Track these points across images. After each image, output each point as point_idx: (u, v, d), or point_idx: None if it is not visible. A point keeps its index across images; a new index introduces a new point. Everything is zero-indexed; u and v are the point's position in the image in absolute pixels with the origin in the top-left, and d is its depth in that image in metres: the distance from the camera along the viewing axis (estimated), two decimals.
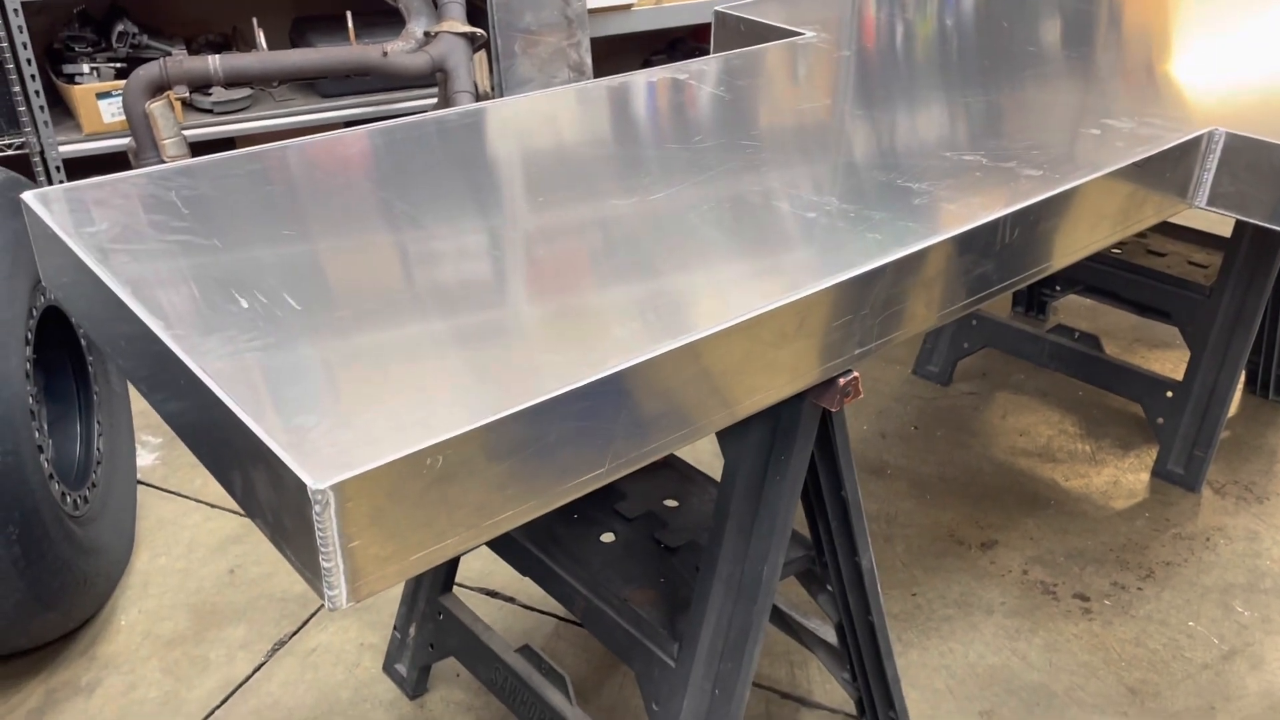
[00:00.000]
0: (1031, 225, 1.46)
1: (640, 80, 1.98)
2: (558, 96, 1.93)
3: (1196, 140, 1.68)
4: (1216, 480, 2.57)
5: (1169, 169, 1.67)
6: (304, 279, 1.21)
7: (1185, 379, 2.51)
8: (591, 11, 3.50)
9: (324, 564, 0.90)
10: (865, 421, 2.81)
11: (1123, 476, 2.59)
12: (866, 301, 1.29)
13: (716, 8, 2.46)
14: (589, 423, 1.05)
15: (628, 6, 3.63)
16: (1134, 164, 1.58)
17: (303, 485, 0.87)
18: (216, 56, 2.70)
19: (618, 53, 4.14)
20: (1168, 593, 2.24)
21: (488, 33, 3.34)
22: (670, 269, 1.28)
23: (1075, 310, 3.30)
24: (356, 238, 1.34)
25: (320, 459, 0.90)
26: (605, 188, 1.49)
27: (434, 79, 3.01)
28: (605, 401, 1.06)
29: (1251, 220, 1.71)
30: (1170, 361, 3.03)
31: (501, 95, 3.41)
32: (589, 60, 3.50)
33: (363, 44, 3.04)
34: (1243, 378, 2.89)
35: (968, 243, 1.38)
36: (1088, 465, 2.64)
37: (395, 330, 1.13)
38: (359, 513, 0.90)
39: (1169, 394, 2.54)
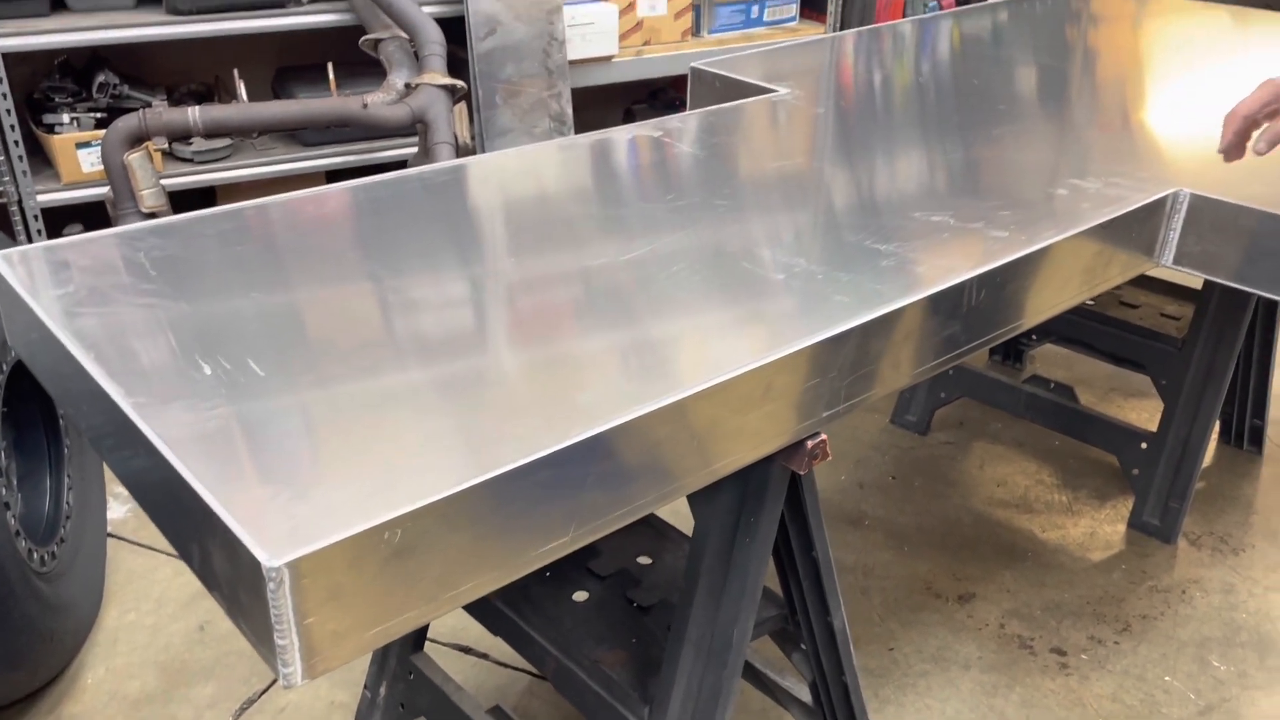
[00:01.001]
0: (998, 287, 1.47)
1: (616, 138, 1.99)
2: (532, 155, 1.94)
3: (1161, 201, 1.70)
4: (1192, 531, 2.57)
5: (1135, 229, 1.69)
6: (270, 343, 1.21)
7: (1159, 430, 2.52)
8: (572, 63, 3.54)
9: (279, 641, 0.89)
10: (843, 471, 2.81)
11: (1099, 528, 2.60)
12: (834, 365, 1.29)
13: (693, 64, 2.48)
14: (552, 491, 1.05)
15: (608, 58, 3.67)
16: (1100, 225, 1.60)
17: (257, 562, 0.86)
18: (196, 108, 2.71)
19: (599, 102, 4.18)
20: (1144, 647, 2.23)
21: (469, 83, 3.37)
22: (638, 333, 1.28)
23: (1052, 359, 3.32)
24: (325, 300, 1.34)
25: (276, 534, 0.89)
26: (576, 250, 1.50)
27: (415, 129, 3.03)
28: (569, 470, 1.05)
29: (1218, 280, 1.73)
30: (1146, 411, 3.05)
31: (483, 145, 3.43)
32: (569, 110, 3.53)
33: (344, 95, 3.07)
34: (1217, 428, 2.91)
35: (935, 305, 1.38)
36: (1064, 516, 2.64)
37: (359, 396, 1.13)
38: (315, 589, 0.89)
39: (1143, 445, 2.55)
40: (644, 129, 2.03)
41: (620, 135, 2.01)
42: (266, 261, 1.43)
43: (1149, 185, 1.74)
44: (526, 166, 1.87)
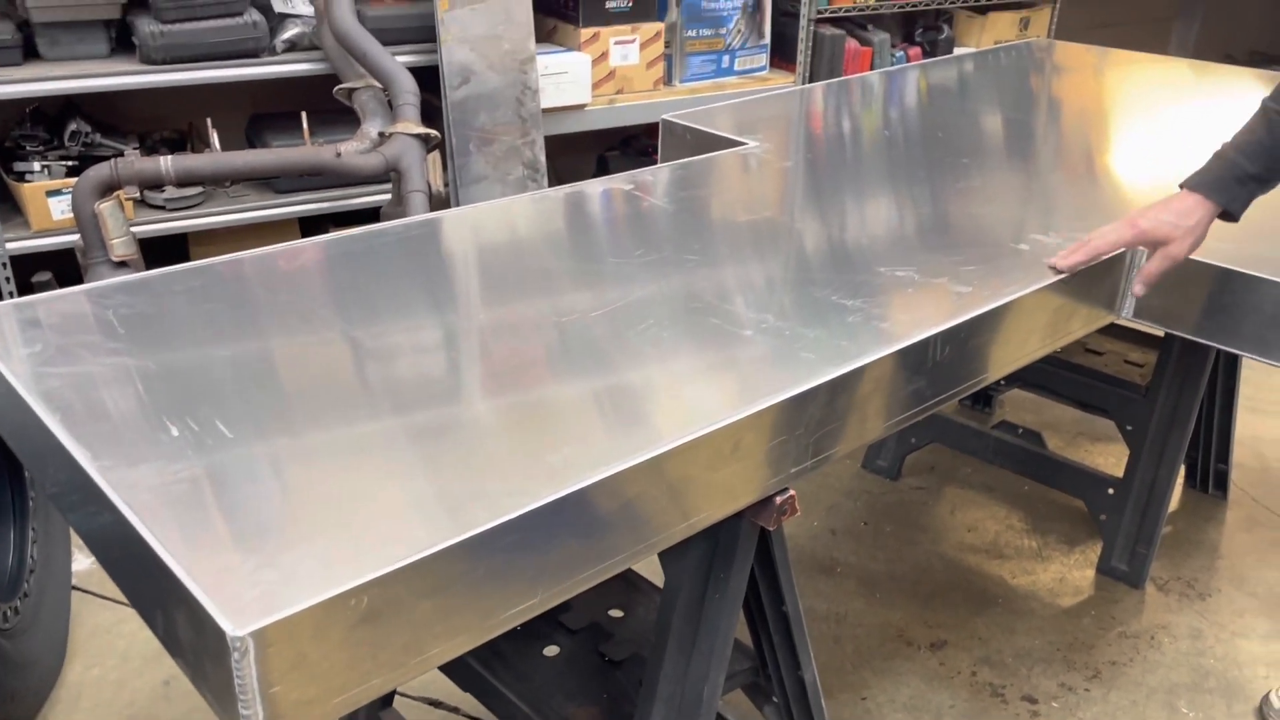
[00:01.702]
0: (962, 342, 1.50)
1: (588, 190, 2.02)
2: (505, 209, 1.96)
3: (1120, 256, 1.74)
4: (1160, 576, 2.60)
5: (1095, 283, 1.72)
6: (239, 403, 1.21)
7: (1125, 476, 2.55)
8: (545, 111, 3.58)
9: (243, 712, 0.88)
10: (816, 518, 2.82)
11: (1069, 573, 2.62)
12: (801, 421, 1.31)
13: (664, 117, 2.52)
14: (522, 554, 1.05)
15: (581, 107, 3.71)
16: (1059, 281, 1.63)
17: (222, 631, 0.86)
18: (169, 157, 2.72)
19: (573, 149, 4.22)
20: (1114, 694, 2.24)
21: (443, 132, 3.40)
22: (607, 390, 1.29)
23: (1021, 403, 3.35)
24: (296, 358, 1.34)
25: (241, 603, 0.89)
26: (547, 306, 1.51)
27: (389, 178, 3.05)
28: (539, 531, 1.06)
29: (1175, 333, 1.77)
30: (1113, 455, 3.09)
31: (456, 192, 3.45)
32: (543, 158, 3.57)
33: (318, 143, 3.08)
34: (1182, 472, 2.95)
35: (900, 361, 1.41)
36: (1034, 562, 2.66)
37: (329, 457, 1.13)
38: (280, 658, 0.88)
39: (1110, 491, 2.58)
40: (616, 182, 2.05)
41: (593, 188, 2.03)
42: (237, 318, 1.43)
43: None
44: (499, 221, 1.88)
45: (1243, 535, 2.76)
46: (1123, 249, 1.68)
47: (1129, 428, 2.56)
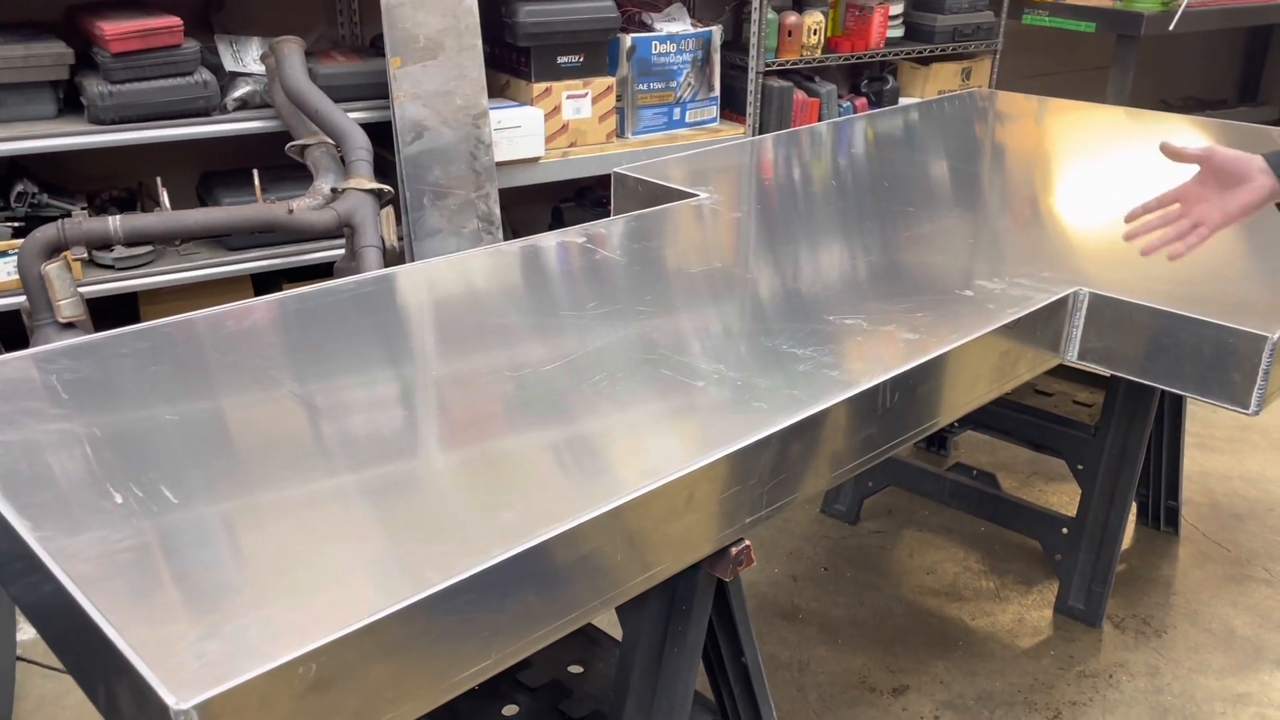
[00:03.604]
0: (911, 388, 1.52)
1: (541, 244, 2.03)
2: (458, 264, 1.96)
3: (1063, 300, 1.78)
4: (1116, 614, 2.62)
5: (1039, 327, 1.76)
6: (185, 467, 1.19)
7: (1078, 515, 2.58)
8: (500, 164, 3.61)
9: None
10: (776, 564, 2.82)
11: (1027, 613, 2.63)
12: (754, 472, 1.31)
13: (615, 169, 2.55)
14: (473, 615, 1.04)
15: (535, 159, 3.75)
16: (1005, 325, 1.67)
17: (165, 704, 0.84)
18: (117, 217, 2.70)
19: (528, 201, 4.24)
20: None
21: (397, 186, 3.41)
22: (558, 446, 1.29)
23: (976, 444, 3.39)
24: (241, 421, 1.33)
25: (185, 674, 0.87)
26: (499, 361, 1.51)
27: (342, 233, 3.05)
28: (491, 592, 1.05)
29: (1120, 374, 1.80)
30: (1067, 494, 3.12)
31: (411, 246, 3.45)
32: (497, 210, 3.58)
33: (269, 200, 3.07)
34: (1135, 510, 2.99)
35: (850, 409, 1.42)
36: (993, 603, 2.67)
37: (275, 522, 1.11)
38: None
39: (1064, 530, 2.61)
40: (569, 234, 2.07)
41: (546, 241, 2.04)
42: (185, 380, 1.42)
43: (1051, 285, 1.82)
44: (452, 275, 1.88)
45: (1195, 571, 2.80)
46: (1200, 162, 1.73)
47: (1080, 467, 2.60)
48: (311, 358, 1.49)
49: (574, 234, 2.07)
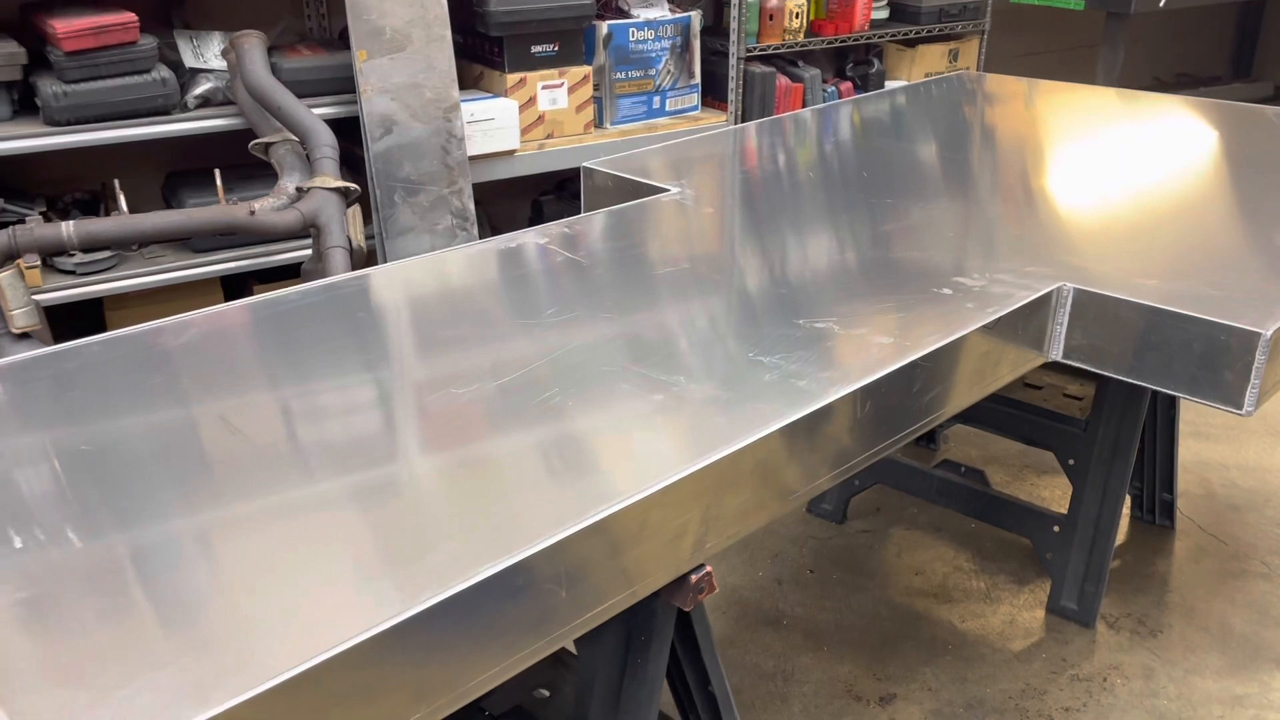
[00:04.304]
0: (883, 398, 1.43)
1: (502, 247, 1.94)
2: (412, 269, 1.87)
3: (1046, 297, 1.70)
4: (1110, 614, 2.54)
5: (1020, 326, 1.67)
6: (93, 507, 1.11)
7: (1070, 513, 2.50)
8: (473, 158, 3.51)
9: None
10: (761, 567, 2.74)
11: (1018, 614, 2.55)
12: (714, 493, 1.23)
13: (584, 164, 2.46)
14: (402, 667, 0.96)
15: (510, 153, 3.65)
16: (985, 326, 1.58)
17: None
18: (70, 223, 2.60)
19: (506, 195, 4.15)
20: None
21: (366, 183, 3.31)
22: (505, 470, 1.21)
23: (966, 437, 3.31)
24: (159, 452, 1.24)
25: None
26: (440, 376, 1.42)
27: (308, 233, 2.95)
28: (421, 638, 0.97)
29: (1106, 373, 1.72)
30: (1060, 488, 3.04)
31: (383, 245, 3.36)
32: (471, 206, 3.49)
33: (234, 200, 2.98)
34: (1129, 503, 2.91)
35: (817, 422, 1.34)
36: (983, 604, 2.59)
37: (184, 571, 1.03)
38: None
39: (1056, 528, 2.53)
40: (531, 236, 1.98)
41: (506, 244, 1.95)
42: (101, 409, 1.33)
43: (1033, 280, 1.73)
44: (398, 283, 1.79)
45: (1191, 566, 2.72)
46: None
47: (1071, 462, 2.52)
48: (232, 381, 1.40)
49: (536, 235, 1.98)
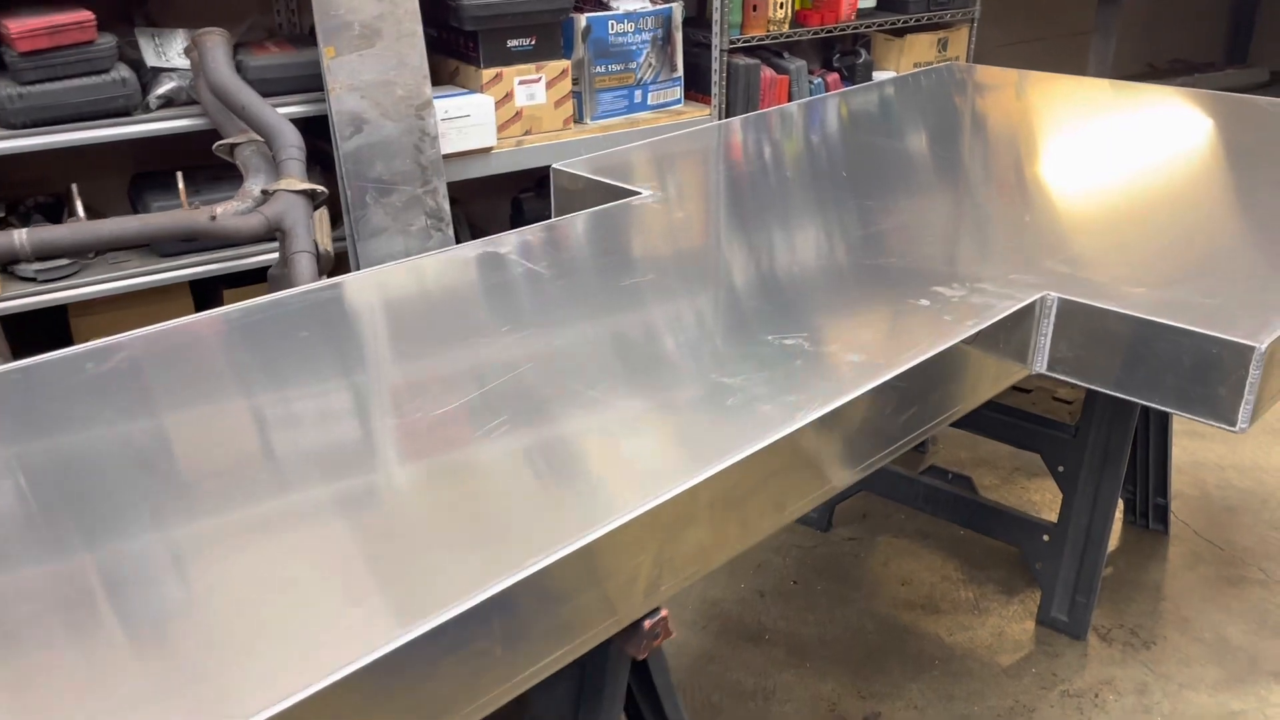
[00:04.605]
0: (852, 421, 1.35)
1: (461, 255, 1.85)
2: (356, 285, 1.76)
3: (1029, 308, 1.61)
4: (1102, 625, 2.47)
5: (1002, 339, 1.59)
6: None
7: (1060, 521, 2.42)
8: (448, 156, 3.41)
9: None
10: (743, 579, 2.66)
11: (1007, 626, 2.48)
12: (669, 532, 1.15)
13: (554, 165, 2.37)
14: None
15: (487, 150, 3.55)
16: (963, 341, 1.49)
17: None
18: (23, 230, 2.51)
19: (485, 192, 4.05)
20: None
21: (337, 184, 3.22)
22: (434, 518, 1.12)
23: (956, 438, 3.23)
24: (76, 480, 1.15)
25: None
26: (387, 402, 1.34)
27: (274, 237, 2.86)
28: (350, 699, 0.88)
29: (1093, 387, 1.63)
30: (1051, 491, 2.96)
31: (355, 247, 3.27)
32: (447, 206, 3.40)
33: (198, 203, 2.89)
34: (1121, 507, 2.83)
35: (781, 451, 1.25)
36: (971, 615, 2.52)
37: (87, 613, 0.94)
38: None
39: (1045, 537, 2.45)
40: (492, 245, 1.89)
41: (466, 253, 1.86)
42: (28, 436, 1.24)
43: (1016, 290, 1.64)
44: (346, 299, 1.70)
45: (1186, 573, 2.64)
46: None
47: (1060, 469, 2.44)
48: (165, 405, 1.32)
49: (496, 244, 1.89)
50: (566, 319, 1.58)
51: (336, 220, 3.29)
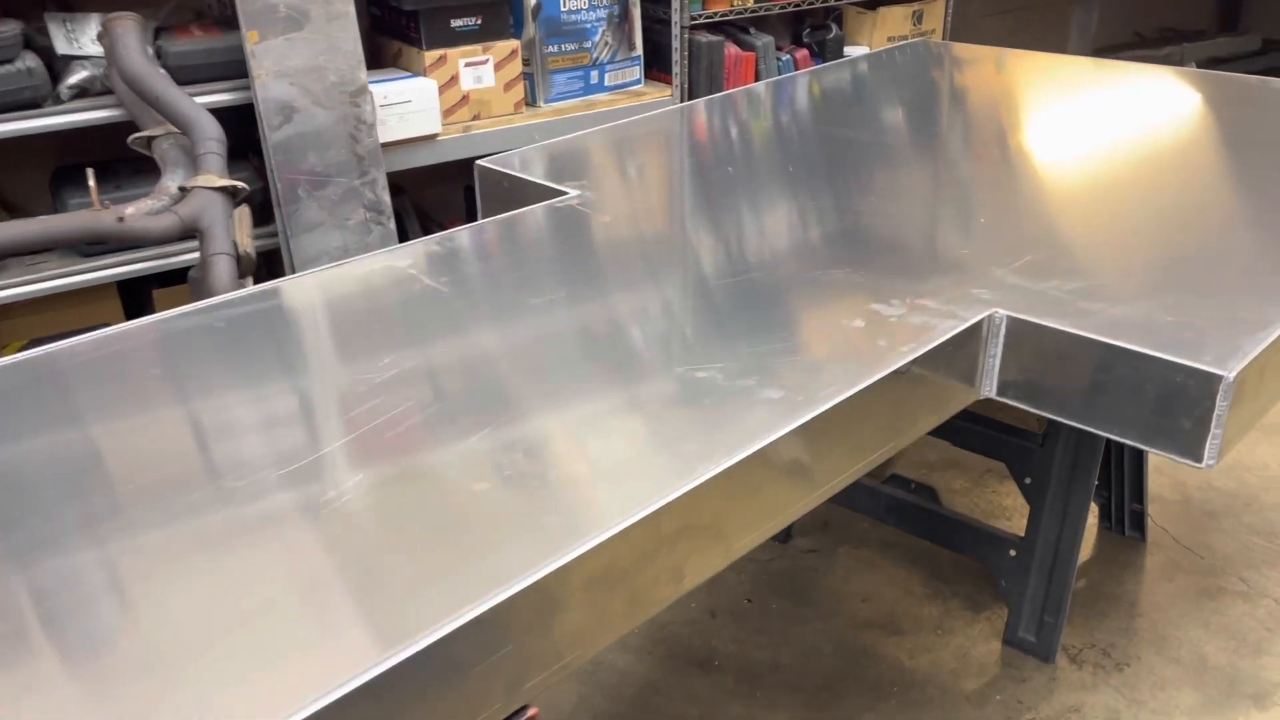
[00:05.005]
0: (764, 472, 1.18)
1: (352, 273, 1.67)
2: (224, 309, 1.58)
3: (975, 328, 1.44)
4: (1072, 644, 2.32)
5: (944, 364, 1.42)
6: None
7: (1027, 536, 2.27)
8: (389, 145, 3.22)
9: None
10: (693, 597, 2.51)
11: (972, 648, 2.33)
12: (533, 620, 0.99)
13: (478, 161, 2.19)
14: None
15: (431, 137, 3.36)
16: (896, 371, 1.33)
17: None
18: None
19: (436, 180, 3.86)
20: None
21: (266, 177, 3.03)
22: (294, 595, 0.96)
23: (926, 439, 3.06)
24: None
25: None
26: (226, 460, 1.17)
27: (194, 237, 2.68)
28: None
29: (1044, 414, 1.47)
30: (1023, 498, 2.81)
31: (288, 243, 3.09)
32: (387, 198, 3.21)
33: (105, 204, 2.70)
34: (1096, 512, 2.68)
35: (667, 518, 1.09)
36: (934, 635, 2.37)
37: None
38: None
39: (1012, 553, 2.30)
40: (396, 256, 1.71)
41: (362, 268, 1.69)
42: None
43: (961, 306, 1.48)
44: (208, 325, 1.52)
45: (1164, 585, 2.50)
46: None
47: (1028, 480, 2.28)
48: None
49: (397, 256, 1.71)
50: (453, 351, 1.41)
51: (268, 214, 3.10)
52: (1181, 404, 1.32)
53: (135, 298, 3.24)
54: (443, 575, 0.99)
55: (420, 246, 1.75)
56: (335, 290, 1.62)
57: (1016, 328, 1.45)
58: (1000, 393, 1.49)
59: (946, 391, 1.45)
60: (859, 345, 1.39)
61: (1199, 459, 1.33)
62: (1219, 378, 1.28)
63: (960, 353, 1.44)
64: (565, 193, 2.00)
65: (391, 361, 1.37)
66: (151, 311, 3.12)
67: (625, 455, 1.15)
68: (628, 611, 1.08)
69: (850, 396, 1.26)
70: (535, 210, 1.93)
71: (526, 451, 1.17)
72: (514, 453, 1.16)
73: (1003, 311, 1.45)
